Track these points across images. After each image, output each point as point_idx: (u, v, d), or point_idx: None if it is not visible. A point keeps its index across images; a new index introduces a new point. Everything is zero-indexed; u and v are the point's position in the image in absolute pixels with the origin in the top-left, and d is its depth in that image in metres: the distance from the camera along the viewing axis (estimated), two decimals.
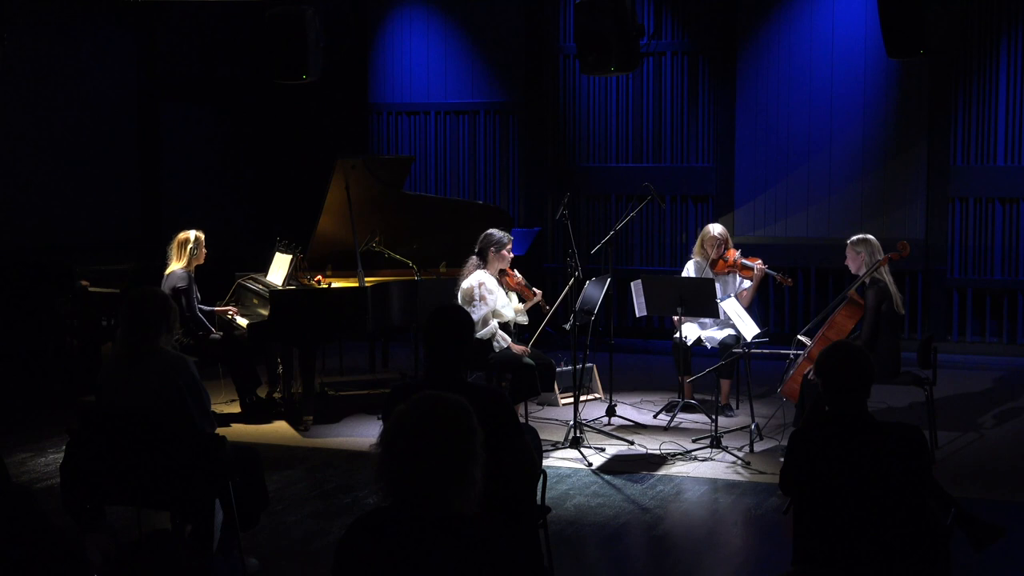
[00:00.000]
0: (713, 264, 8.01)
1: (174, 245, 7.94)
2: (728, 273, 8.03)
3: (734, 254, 8.04)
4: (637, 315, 7.88)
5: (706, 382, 8.04)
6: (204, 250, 7.99)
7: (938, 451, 6.93)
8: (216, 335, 7.99)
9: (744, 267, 7.99)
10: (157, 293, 5.19)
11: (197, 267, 7.97)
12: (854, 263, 7.11)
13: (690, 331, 8.01)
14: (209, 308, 8.16)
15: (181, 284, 7.71)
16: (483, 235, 7.51)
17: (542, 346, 8.12)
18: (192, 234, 7.94)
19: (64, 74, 10.59)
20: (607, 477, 6.62)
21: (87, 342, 9.42)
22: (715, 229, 8.07)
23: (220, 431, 4.85)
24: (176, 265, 7.84)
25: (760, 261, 8.03)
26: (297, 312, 7.69)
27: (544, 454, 6.54)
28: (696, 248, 8.14)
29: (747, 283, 8.05)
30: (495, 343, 7.33)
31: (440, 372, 4.21)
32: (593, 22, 8.61)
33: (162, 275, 7.93)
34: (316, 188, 8.34)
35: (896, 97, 10.31)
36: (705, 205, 10.94)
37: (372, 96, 11.90)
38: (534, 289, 7.58)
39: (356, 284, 7.89)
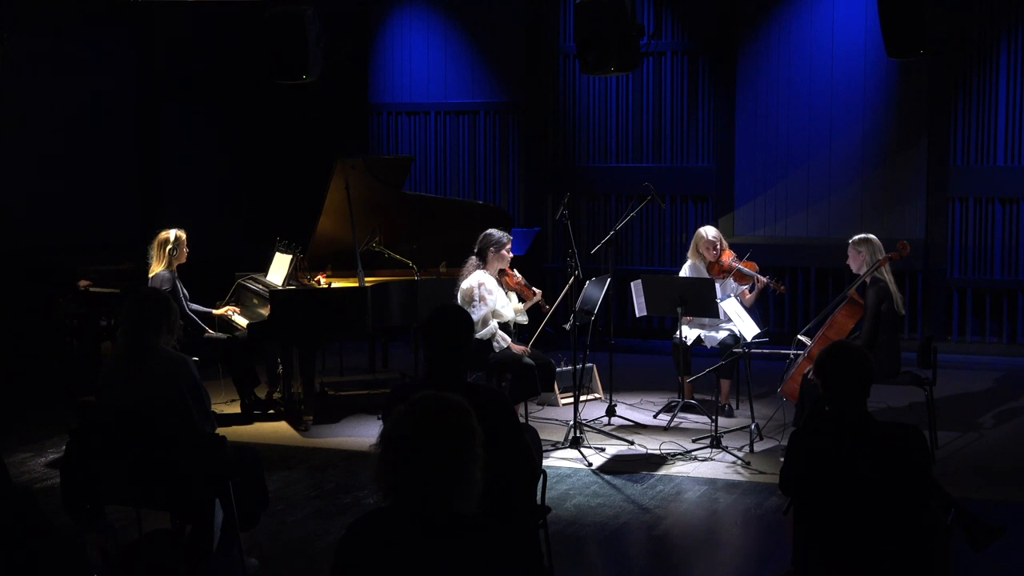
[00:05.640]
0: (709, 268, 8.00)
1: (154, 245, 7.74)
2: (724, 278, 8.02)
3: (729, 257, 8.03)
4: (637, 315, 7.88)
5: (706, 382, 8.03)
6: (186, 249, 7.79)
7: (938, 451, 6.93)
8: (212, 334, 7.98)
9: (741, 274, 7.97)
10: (158, 293, 5.21)
11: (182, 266, 7.80)
12: (855, 262, 7.11)
13: (689, 330, 8.01)
14: (204, 309, 8.13)
15: (166, 287, 7.55)
16: (482, 235, 7.51)
17: (542, 346, 8.12)
18: (173, 234, 7.74)
19: (64, 74, 10.60)
20: (607, 477, 6.62)
21: (87, 342, 9.42)
22: (709, 232, 8.05)
23: (220, 431, 4.85)
24: (158, 267, 7.71)
25: (756, 265, 8.02)
26: (297, 312, 7.69)
27: (544, 454, 6.53)
28: (691, 251, 8.13)
29: (743, 287, 8.04)
30: (495, 343, 7.32)
31: (440, 372, 4.21)
32: (593, 22, 8.62)
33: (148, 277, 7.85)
34: (316, 188, 8.34)
35: (896, 97, 10.31)
36: (705, 205, 10.94)
37: (372, 96, 11.90)
38: (534, 289, 7.57)
39: (356, 284, 7.89)
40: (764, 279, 7.86)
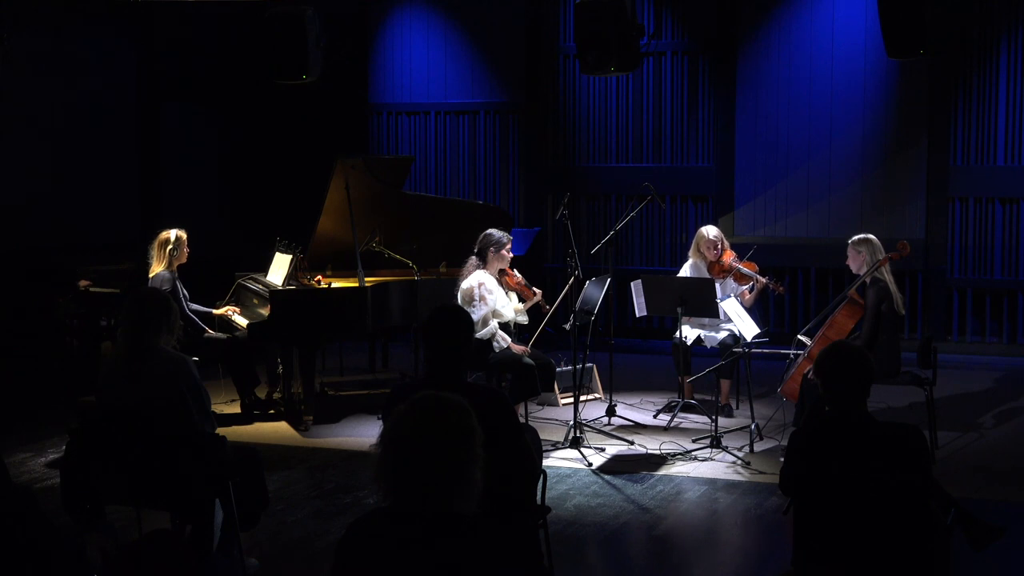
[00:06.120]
0: (710, 267, 8.00)
1: (155, 245, 7.72)
2: (725, 277, 8.02)
3: (730, 256, 8.03)
4: (637, 315, 7.88)
5: (706, 382, 8.03)
6: (186, 249, 7.76)
7: (938, 451, 6.92)
8: (212, 334, 7.97)
9: (741, 275, 7.97)
10: (158, 293, 5.21)
11: (182, 266, 7.79)
12: (855, 263, 7.10)
13: (689, 330, 8.01)
14: (204, 309, 8.13)
15: (166, 287, 7.53)
16: (483, 235, 7.51)
17: (542, 346, 8.12)
18: (173, 234, 7.72)
19: (64, 74, 10.60)
20: (607, 477, 6.62)
21: (87, 342, 9.42)
22: (710, 232, 8.04)
23: (220, 431, 4.85)
24: (158, 267, 7.69)
25: (756, 265, 8.02)
26: (297, 312, 7.69)
27: (544, 454, 6.53)
28: (692, 250, 8.13)
29: (743, 288, 8.03)
30: (495, 343, 7.32)
31: (440, 372, 4.21)
32: (593, 22, 8.62)
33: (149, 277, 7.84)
34: (316, 188, 8.34)
35: (896, 97, 10.31)
36: (705, 205, 10.94)
37: (372, 96, 11.90)
38: (534, 289, 7.57)
39: (356, 284, 7.89)
40: (764, 280, 7.86)
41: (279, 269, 8.10)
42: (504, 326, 7.48)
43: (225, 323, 8.22)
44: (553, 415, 8.11)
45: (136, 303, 4.88)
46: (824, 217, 10.58)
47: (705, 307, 7.42)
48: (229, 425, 7.68)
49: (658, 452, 7.08)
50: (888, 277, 7.02)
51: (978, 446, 7.27)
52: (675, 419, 7.87)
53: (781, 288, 7.88)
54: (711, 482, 6.51)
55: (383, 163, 8.55)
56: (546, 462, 6.55)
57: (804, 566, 3.79)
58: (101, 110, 11.04)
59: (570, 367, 8.06)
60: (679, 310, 7.33)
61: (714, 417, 7.19)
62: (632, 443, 7.31)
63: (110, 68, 11.14)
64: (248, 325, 7.86)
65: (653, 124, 11.07)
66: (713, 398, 7.65)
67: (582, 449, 7.01)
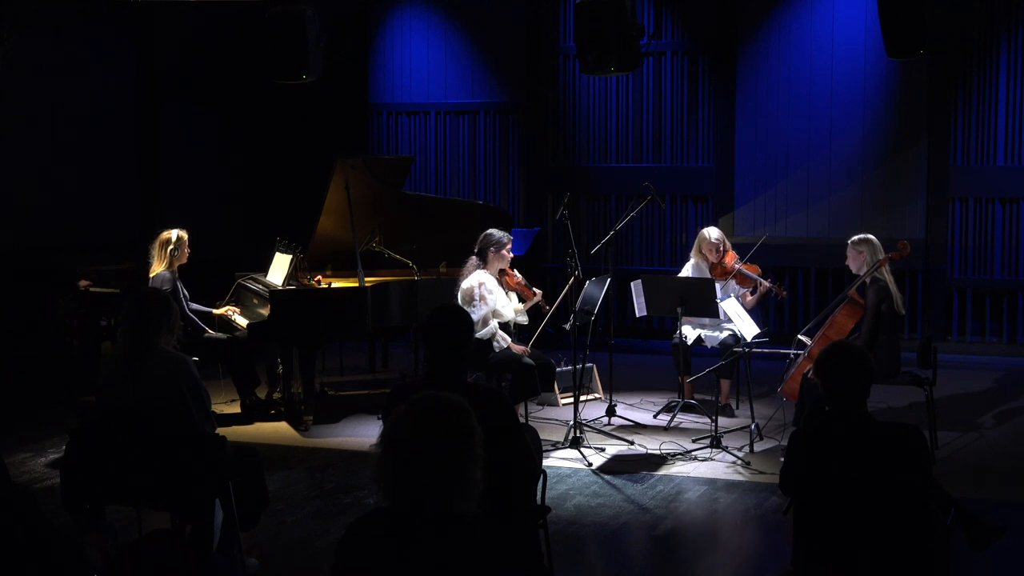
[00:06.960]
0: (712, 269, 7.99)
1: (156, 245, 7.72)
2: (727, 280, 8.01)
3: (732, 258, 8.02)
4: (637, 315, 7.88)
5: (706, 382, 8.03)
6: (187, 249, 7.76)
7: (938, 451, 6.93)
8: (212, 334, 7.97)
9: (743, 277, 7.96)
10: (158, 293, 5.21)
11: (183, 266, 7.79)
12: (855, 263, 7.10)
13: (689, 330, 8.00)
14: (204, 309, 8.13)
15: (166, 287, 7.53)
16: (483, 235, 7.51)
17: (542, 346, 8.12)
18: (175, 234, 7.72)
19: (64, 74, 10.59)
20: (607, 477, 6.62)
21: (87, 342, 9.42)
22: (712, 234, 8.03)
23: (220, 431, 4.85)
24: (159, 267, 7.69)
25: (758, 269, 8.01)
26: (297, 312, 7.69)
27: (544, 454, 6.53)
28: (694, 251, 8.12)
29: (744, 290, 8.02)
30: (495, 343, 7.32)
31: (440, 372, 4.21)
32: (593, 22, 8.62)
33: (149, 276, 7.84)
34: (316, 188, 8.34)
35: (896, 97, 10.31)
36: (705, 205, 10.94)
37: (372, 96, 11.90)
38: (534, 289, 7.57)
39: (356, 284, 7.89)
40: (767, 283, 7.84)
41: (279, 269, 8.10)
42: (504, 326, 7.48)
43: (225, 323, 8.22)
44: (553, 415, 8.11)
45: (136, 303, 4.88)
46: (824, 217, 10.58)
47: (705, 307, 7.42)
48: (229, 425, 7.68)
49: (658, 452, 7.08)
50: (888, 277, 7.02)
51: (978, 446, 7.27)
52: (675, 419, 7.86)
53: (784, 292, 7.88)
54: (711, 482, 6.51)
55: (383, 163, 8.55)
56: (546, 462, 6.55)
57: (804, 566, 3.80)
58: (101, 110, 11.04)
59: (570, 367, 8.06)
60: (679, 310, 7.33)
61: (714, 417, 7.19)
62: (632, 443, 7.31)
63: (110, 68, 11.14)
64: (248, 325, 7.86)
65: (653, 124, 11.07)
66: (713, 398, 7.65)
67: (582, 449, 7.01)
